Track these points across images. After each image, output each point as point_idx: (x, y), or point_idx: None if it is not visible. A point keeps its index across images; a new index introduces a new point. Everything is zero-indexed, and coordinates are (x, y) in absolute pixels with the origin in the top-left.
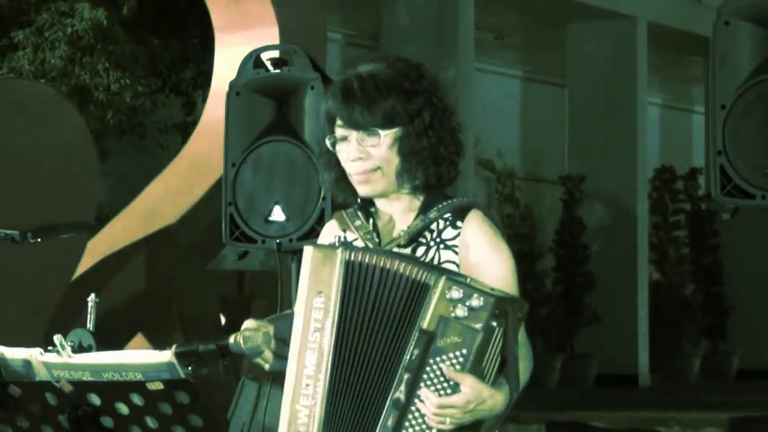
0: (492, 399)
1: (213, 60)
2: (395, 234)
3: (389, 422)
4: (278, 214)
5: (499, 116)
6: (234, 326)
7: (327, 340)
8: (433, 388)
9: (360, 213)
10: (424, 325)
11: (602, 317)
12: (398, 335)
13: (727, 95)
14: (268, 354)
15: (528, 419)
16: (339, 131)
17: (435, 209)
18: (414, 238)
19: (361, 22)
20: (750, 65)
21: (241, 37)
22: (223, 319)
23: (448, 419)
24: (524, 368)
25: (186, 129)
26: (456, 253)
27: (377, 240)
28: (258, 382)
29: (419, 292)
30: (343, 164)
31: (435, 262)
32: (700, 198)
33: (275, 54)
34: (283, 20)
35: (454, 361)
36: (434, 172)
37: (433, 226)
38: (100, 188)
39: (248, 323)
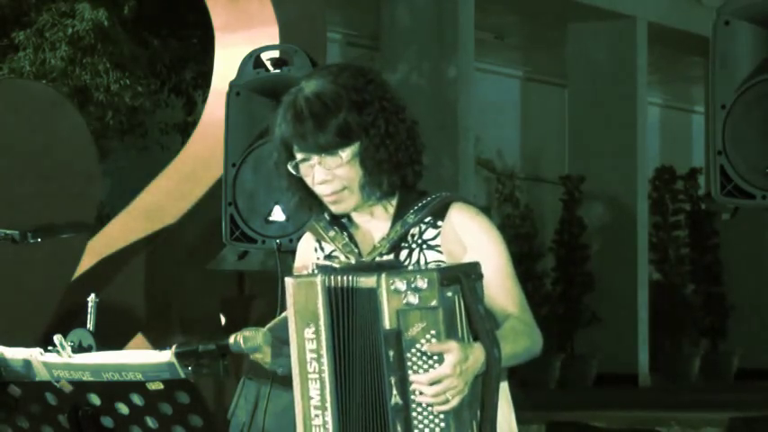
0: (472, 354)
1: (213, 60)
2: (375, 243)
3: (399, 428)
4: (278, 214)
5: (499, 116)
6: (234, 326)
7: (326, 368)
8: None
9: (333, 225)
10: (387, 325)
11: (602, 317)
12: (376, 345)
13: (727, 95)
14: (267, 351)
15: (528, 419)
16: (298, 155)
17: (412, 212)
18: (395, 245)
19: (361, 22)
20: (750, 65)
21: (241, 37)
22: (223, 319)
23: (448, 394)
24: (521, 342)
25: (186, 129)
26: (440, 252)
27: (356, 251)
28: (258, 382)
29: (371, 298)
30: (311, 186)
31: (421, 263)
32: (700, 198)
33: (275, 54)
34: (283, 20)
35: (432, 341)
36: (397, 178)
37: (414, 230)
38: (100, 188)
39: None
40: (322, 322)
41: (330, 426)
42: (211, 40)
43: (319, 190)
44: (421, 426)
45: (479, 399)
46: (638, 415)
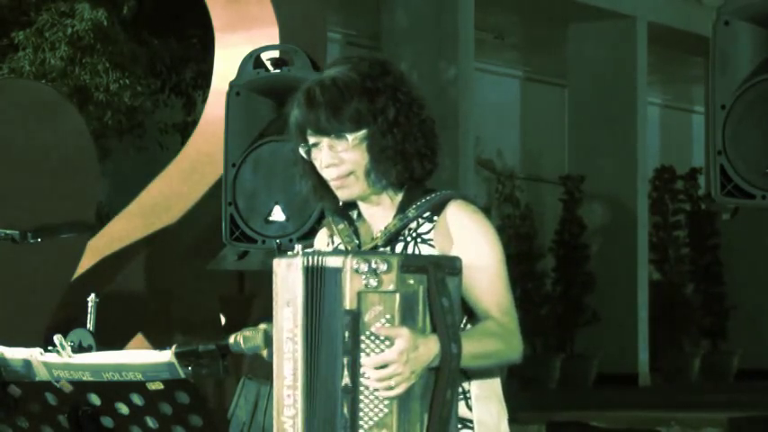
0: (424, 345)
1: (213, 60)
2: (375, 234)
3: (345, 410)
4: (278, 214)
5: (499, 116)
6: (234, 326)
7: (299, 348)
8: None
9: (343, 218)
10: (347, 305)
11: (602, 317)
12: (337, 326)
13: (727, 95)
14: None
15: (528, 419)
16: (310, 139)
17: (414, 207)
18: (392, 238)
19: (361, 22)
20: (750, 65)
21: (241, 37)
22: (223, 319)
23: (393, 381)
24: (490, 343)
25: (186, 129)
26: (433, 246)
27: (356, 242)
28: (258, 382)
29: (337, 277)
30: (319, 171)
31: None
32: (700, 198)
33: (275, 54)
34: (283, 20)
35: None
36: (404, 168)
37: (413, 224)
38: (100, 188)
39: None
40: (299, 302)
41: (299, 405)
42: (211, 40)
43: (326, 174)
44: (366, 409)
45: (432, 392)
46: (638, 415)
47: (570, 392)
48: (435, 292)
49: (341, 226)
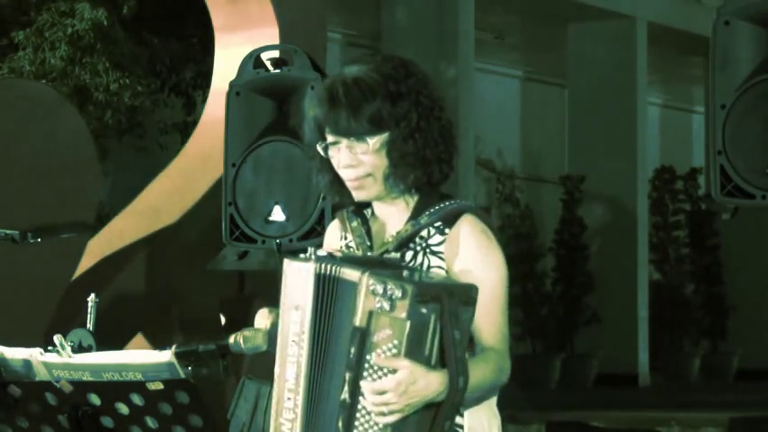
0: (425, 378)
1: (213, 60)
2: (387, 238)
3: (340, 424)
4: (278, 214)
5: (499, 116)
6: (234, 326)
7: (304, 353)
8: (370, 380)
9: (357, 216)
10: (357, 322)
11: (602, 317)
12: (345, 338)
13: (727, 95)
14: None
15: (528, 419)
16: (329, 137)
17: (427, 213)
18: (403, 244)
19: (361, 22)
20: (750, 65)
21: (241, 37)
22: (223, 319)
23: (386, 408)
24: (489, 375)
25: (186, 129)
26: (442, 259)
27: (368, 244)
28: (258, 382)
29: (351, 292)
30: (336, 169)
31: (424, 267)
32: (700, 198)
33: (275, 54)
34: (283, 20)
35: (388, 353)
36: (422, 174)
37: (424, 232)
38: (100, 188)
39: (262, 312)
40: (308, 308)
41: (299, 410)
42: (211, 40)
43: (344, 174)
44: (361, 428)
45: (430, 423)
46: (638, 415)
47: (570, 392)
48: (448, 324)
49: (354, 224)
